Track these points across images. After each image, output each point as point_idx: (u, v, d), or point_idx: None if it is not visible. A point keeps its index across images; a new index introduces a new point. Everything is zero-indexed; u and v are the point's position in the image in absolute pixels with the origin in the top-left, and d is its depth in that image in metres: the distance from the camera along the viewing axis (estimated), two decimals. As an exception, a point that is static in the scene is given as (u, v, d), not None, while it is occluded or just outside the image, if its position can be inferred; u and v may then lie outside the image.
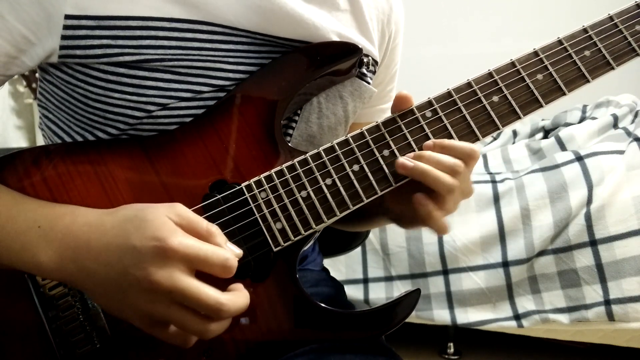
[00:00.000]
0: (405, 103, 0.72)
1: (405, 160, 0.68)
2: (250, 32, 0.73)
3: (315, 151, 0.70)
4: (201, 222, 0.60)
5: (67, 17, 0.66)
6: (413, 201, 0.69)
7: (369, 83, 0.84)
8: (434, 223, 0.70)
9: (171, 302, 0.57)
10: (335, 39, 0.77)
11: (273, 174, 0.69)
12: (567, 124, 2.16)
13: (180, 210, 0.60)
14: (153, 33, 0.69)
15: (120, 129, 0.72)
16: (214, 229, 0.61)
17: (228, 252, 0.59)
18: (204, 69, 0.72)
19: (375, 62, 0.87)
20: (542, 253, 1.69)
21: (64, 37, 0.67)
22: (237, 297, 0.59)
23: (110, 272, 0.58)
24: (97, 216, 0.62)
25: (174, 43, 0.70)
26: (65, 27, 0.66)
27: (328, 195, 0.69)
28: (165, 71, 0.70)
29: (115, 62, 0.68)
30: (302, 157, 0.70)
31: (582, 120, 2.21)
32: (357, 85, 0.82)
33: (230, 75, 0.73)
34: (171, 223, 0.58)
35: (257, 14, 0.72)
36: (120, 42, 0.68)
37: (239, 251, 0.61)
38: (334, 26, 0.78)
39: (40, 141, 0.86)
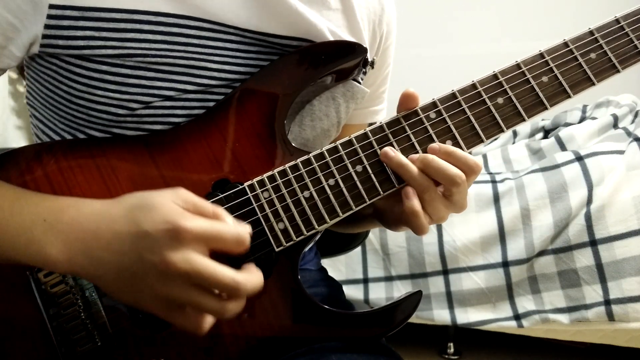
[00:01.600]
0: (412, 101, 0.71)
1: (389, 151, 0.69)
2: (240, 29, 0.73)
3: (318, 151, 0.70)
4: (207, 205, 0.60)
5: (52, 6, 0.65)
6: (402, 192, 0.69)
7: (359, 83, 0.84)
8: (415, 220, 0.69)
9: (188, 284, 0.56)
10: (329, 37, 0.77)
11: (276, 173, 0.69)
12: (567, 124, 2.16)
13: (185, 194, 0.60)
14: (138, 26, 0.68)
15: (106, 125, 0.72)
16: (220, 210, 0.61)
17: (239, 227, 0.59)
18: (188, 67, 0.71)
19: (367, 65, 0.86)
20: (542, 253, 1.69)
21: (47, 27, 0.66)
22: (252, 276, 0.59)
23: (123, 260, 0.58)
24: (103, 206, 0.62)
25: (159, 37, 0.69)
26: (49, 17, 0.66)
27: (331, 195, 0.69)
28: (149, 69, 0.69)
29: (98, 56, 0.68)
30: (305, 157, 0.70)
31: (582, 120, 2.21)
32: (349, 86, 0.82)
33: (216, 74, 0.73)
34: (179, 207, 0.58)
35: (248, 9, 0.72)
36: (103, 34, 0.67)
37: (248, 227, 0.61)
38: (325, 25, 0.77)
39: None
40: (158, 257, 0.55)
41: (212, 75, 0.72)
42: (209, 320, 0.60)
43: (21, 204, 0.65)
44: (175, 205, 0.58)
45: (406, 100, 0.72)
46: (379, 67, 0.92)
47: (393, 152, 0.69)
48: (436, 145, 0.69)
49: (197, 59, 0.71)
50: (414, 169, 0.68)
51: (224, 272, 0.56)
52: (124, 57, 0.68)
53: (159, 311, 0.59)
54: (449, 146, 0.69)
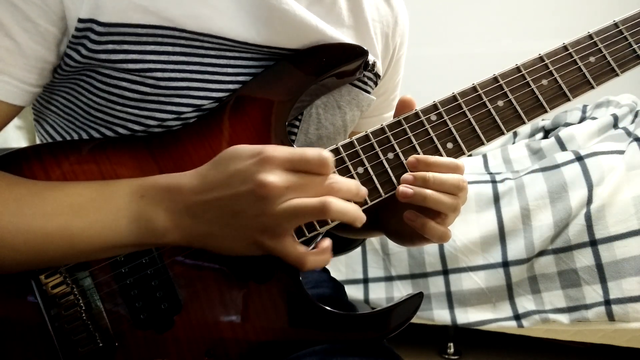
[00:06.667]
0: (408, 107, 0.73)
1: (404, 188, 0.69)
2: (256, 46, 0.73)
3: None
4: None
5: (80, 20, 0.66)
6: (404, 218, 0.71)
7: (369, 92, 0.85)
8: (432, 232, 0.70)
9: (288, 197, 0.59)
10: None
11: None
12: (567, 124, 2.16)
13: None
14: (159, 39, 0.68)
15: (119, 134, 0.73)
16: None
17: (321, 151, 0.61)
18: (204, 82, 0.71)
19: (377, 75, 0.86)
20: (542, 253, 1.69)
21: (74, 37, 0.67)
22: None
23: (221, 204, 0.61)
24: (190, 172, 0.65)
25: (178, 49, 0.69)
26: (77, 29, 0.66)
27: None
28: (167, 87, 0.70)
29: (119, 70, 0.68)
30: (307, 159, 0.70)
31: (582, 120, 2.21)
32: (354, 94, 0.82)
33: (230, 86, 0.73)
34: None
35: (265, 27, 0.72)
36: (125, 47, 0.67)
37: (329, 153, 0.62)
38: (339, 38, 0.78)
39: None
40: (252, 184, 0.59)
41: (226, 87, 0.73)
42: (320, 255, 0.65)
43: (110, 190, 0.66)
44: (254, 146, 0.61)
45: (403, 107, 0.73)
46: (391, 76, 0.93)
47: (411, 190, 0.69)
48: (414, 159, 0.70)
49: (212, 72, 0.72)
50: (441, 196, 0.68)
51: (320, 174, 0.60)
52: (144, 72, 0.68)
53: (265, 240, 0.62)
54: (427, 157, 0.70)
